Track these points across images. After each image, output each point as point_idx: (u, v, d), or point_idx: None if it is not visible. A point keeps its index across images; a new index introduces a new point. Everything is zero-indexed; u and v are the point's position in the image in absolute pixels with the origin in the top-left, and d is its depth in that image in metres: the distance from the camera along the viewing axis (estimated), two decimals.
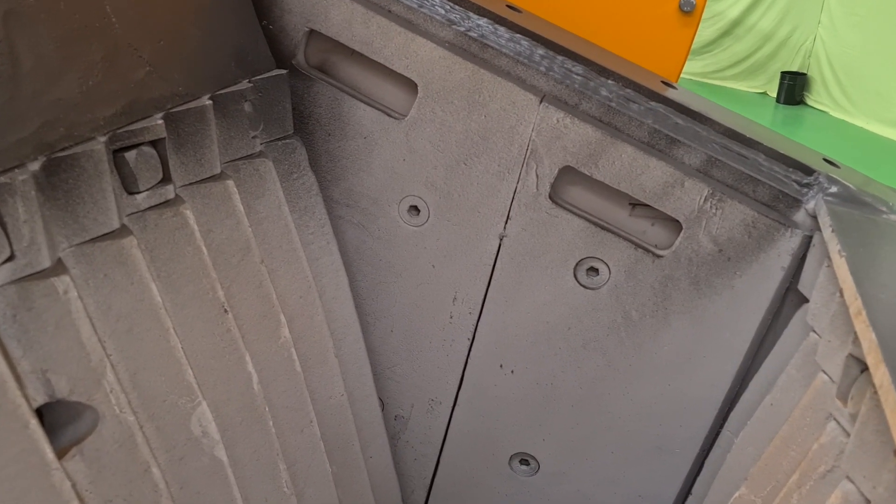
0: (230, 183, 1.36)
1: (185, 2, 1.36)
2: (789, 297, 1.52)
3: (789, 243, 1.45)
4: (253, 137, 1.45)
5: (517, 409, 1.77)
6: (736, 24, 11.26)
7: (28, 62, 1.03)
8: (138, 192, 1.20)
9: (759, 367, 1.54)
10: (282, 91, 1.51)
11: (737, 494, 1.36)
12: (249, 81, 1.45)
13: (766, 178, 1.49)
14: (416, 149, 1.59)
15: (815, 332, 1.34)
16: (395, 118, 1.60)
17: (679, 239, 1.51)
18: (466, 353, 1.76)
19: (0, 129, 0.97)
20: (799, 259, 1.46)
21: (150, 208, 1.22)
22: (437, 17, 1.53)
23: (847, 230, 1.30)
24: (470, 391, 1.80)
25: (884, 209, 1.46)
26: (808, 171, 1.53)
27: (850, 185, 1.49)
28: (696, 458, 1.68)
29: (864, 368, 1.09)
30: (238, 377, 1.34)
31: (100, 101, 1.15)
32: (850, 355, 1.12)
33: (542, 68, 1.52)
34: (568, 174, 1.56)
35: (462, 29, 1.53)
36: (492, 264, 1.65)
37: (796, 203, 1.48)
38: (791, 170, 1.53)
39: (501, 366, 1.74)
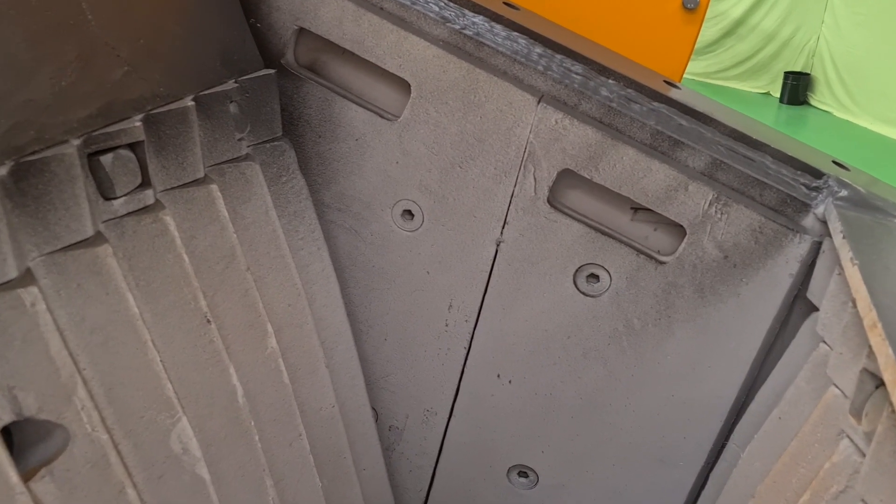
0: (214, 187, 1.31)
1: None
2: (797, 306, 1.47)
3: (798, 249, 1.40)
4: (239, 140, 1.40)
5: (515, 420, 1.72)
6: (739, 23, 11.22)
7: None
8: (115, 198, 1.14)
9: (765, 378, 1.48)
10: (270, 91, 1.46)
11: None
12: (235, 82, 1.40)
13: (774, 182, 1.43)
14: (410, 151, 1.54)
15: (825, 342, 1.28)
16: (387, 119, 1.55)
17: (683, 245, 1.46)
18: (463, 362, 1.71)
19: None
20: (808, 266, 1.41)
21: (128, 214, 1.16)
22: (431, 15, 1.47)
23: (859, 236, 1.25)
24: (466, 401, 1.75)
25: None
26: (817, 174, 1.47)
27: (861, 189, 1.43)
28: (701, 471, 1.63)
29: (880, 384, 1.03)
30: (221, 390, 1.29)
31: (73, 102, 1.09)
32: (865, 370, 1.06)
33: (540, 67, 1.47)
34: (567, 177, 1.51)
35: (457, 27, 1.48)
36: (488, 271, 1.60)
37: (805, 207, 1.42)
38: (799, 173, 1.47)
39: (499, 375, 1.69)
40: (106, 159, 1.12)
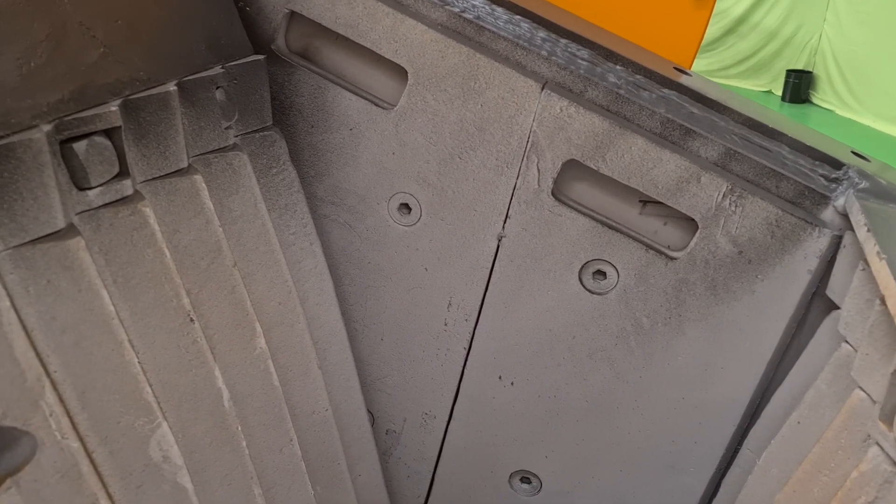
0: (198, 178, 1.24)
1: None
2: (815, 304, 1.40)
3: (817, 244, 1.33)
4: (226, 129, 1.33)
5: (518, 424, 1.66)
6: (740, 21, 11.16)
7: None
8: (90, 188, 1.07)
9: (782, 379, 1.42)
10: (259, 78, 1.39)
11: None
12: (222, 67, 1.33)
13: (791, 173, 1.37)
14: (407, 141, 1.48)
15: (848, 343, 1.21)
16: (383, 108, 1.49)
17: (694, 239, 1.40)
18: (462, 363, 1.65)
19: None
20: (827, 261, 1.34)
21: (105, 206, 1.10)
22: None
23: (884, 229, 1.18)
24: (466, 404, 1.69)
25: None
26: (837, 164, 1.40)
27: (882, 181, 1.36)
28: (712, 478, 1.57)
29: None
30: (206, 393, 1.21)
31: (43, 85, 1.02)
32: None
33: (544, 52, 1.41)
34: (572, 168, 1.44)
35: (456, 10, 1.42)
36: (489, 267, 1.54)
37: (824, 200, 1.35)
38: (817, 163, 1.41)
39: (500, 377, 1.62)
40: (79, 146, 1.05)
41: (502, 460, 1.72)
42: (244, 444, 1.29)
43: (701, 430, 1.53)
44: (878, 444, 1.02)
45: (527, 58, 1.41)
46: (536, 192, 1.45)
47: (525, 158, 1.43)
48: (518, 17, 1.44)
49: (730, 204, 1.35)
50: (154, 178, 1.18)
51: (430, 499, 1.82)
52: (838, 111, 10.50)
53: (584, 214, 1.45)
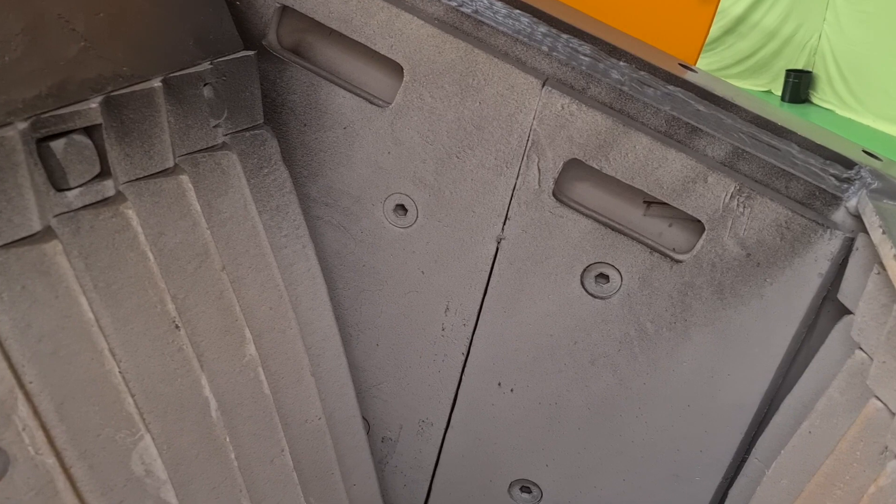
0: (185, 178, 1.19)
1: None
2: (825, 308, 1.35)
3: (828, 246, 1.28)
4: (214, 127, 1.28)
5: (517, 432, 1.62)
6: (740, 21, 11.13)
7: None
8: (69, 189, 1.02)
9: (791, 386, 1.37)
10: (249, 75, 1.34)
11: None
12: (210, 63, 1.28)
13: (801, 173, 1.33)
14: (403, 140, 1.43)
15: (862, 349, 1.16)
16: (378, 106, 1.44)
17: (701, 241, 1.35)
18: (461, 370, 1.61)
19: None
20: (839, 264, 1.29)
21: (85, 207, 1.04)
22: None
23: None
24: (465, 411, 1.65)
25: None
26: (848, 163, 1.36)
27: None
28: (718, 487, 1.52)
29: None
30: (192, 403, 1.16)
31: (18, 80, 0.97)
32: None
33: (545, 48, 1.36)
34: (574, 168, 1.39)
35: (454, 3, 1.37)
36: (488, 270, 1.49)
37: (835, 200, 1.31)
38: (828, 162, 1.36)
39: (500, 383, 1.58)
40: (57, 145, 1.00)
41: (502, 469, 1.67)
42: (233, 455, 1.24)
43: (707, 438, 1.48)
44: None
45: (527, 53, 1.37)
46: (537, 193, 1.40)
47: (525, 158, 1.38)
48: (518, 11, 1.40)
49: (738, 205, 1.31)
50: (138, 179, 1.13)
51: None
52: (838, 111, 10.47)
53: (587, 216, 1.40)
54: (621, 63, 1.40)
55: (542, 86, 1.33)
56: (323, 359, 1.53)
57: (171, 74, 1.19)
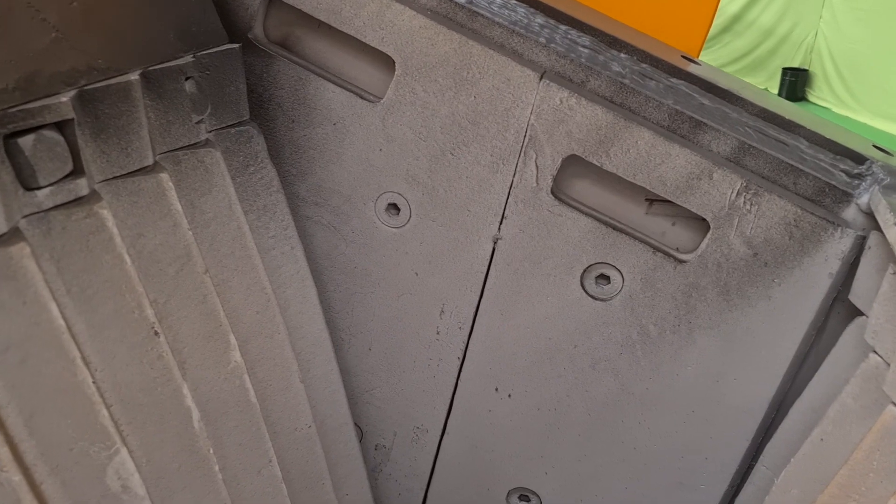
0: (164, 177, 1.13)
1: None
2: (836, 309, 1.30)
3: (838, 245, 1.23)
4: (197, 123, 1.23)
5: (515, 439, 1.57)
6: (736, 19, 11.11)
7: None
8: (38, 188, 0.96)
9: (800, 391, 1.32)
10: (234, 69, 1.29)
11: None
12: (193, 56, 1.22)
13: (810, 168, 1.28)
14: (395, 137, 1.38)
15: (876, 353, 1.11)
16: (369, 101, 1.39)
17: (706, 241, 1.31)
18: (456, 374, 1.56)
19: None
20: (850, 264, 1.24)
21: (56, 207, 0.98)
22: None
23: None
24: (461, 417, 1.60)
25: None
26: (859, 159, 1.30)
27: None
28: (724, 496, 1.48)
29: None
30: (173, 414, 1.11)
31: None
32: None
33: (542, 39, 1.31)
34: (573, 165, 1.35)
35: None
36: (485, 271, 1.44)
37: (846, 197, 1.26)
38: (838, 158, 1.31)
39: (497, 389, 1.53)
40: (25, 141, 0.95)
41: (499, 477, 1.63)
42: (217, 468, 1.18)
43: (712, 444, 1.44)
44: None
45: (524, 45, 1.31)
46: (535, 191, 1.35)
47: (522, 154, 1.33)
48: (514, 1, 1.35)
49: (744, 202, 1.26)
50: (115, 177, 1.07)
51: None
52: (835, 109, 10.47)
53: (587, 214, 1.35)
54: (622, 55, 1.35)
55: (540, 79, 1.28)
56: (313, 364, 1.48)
57: (151, 68, 1.13)
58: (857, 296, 1.23)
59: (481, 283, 1.46)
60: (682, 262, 1.33)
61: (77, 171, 1.01)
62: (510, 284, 1.44)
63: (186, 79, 1.20)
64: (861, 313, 1.22)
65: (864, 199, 1.25)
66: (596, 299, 1.40)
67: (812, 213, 1.24)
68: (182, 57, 1.21)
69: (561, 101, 1.28)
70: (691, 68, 1.38)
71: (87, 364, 0.98)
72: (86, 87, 1.03)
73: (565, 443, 1.54)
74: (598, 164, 1.30)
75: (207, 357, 1.19)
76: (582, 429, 1.51)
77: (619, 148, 1.28)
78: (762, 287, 1.30)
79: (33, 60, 0.98)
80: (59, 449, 0.95)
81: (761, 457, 1.39)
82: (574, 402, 1.49)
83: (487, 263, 1.44)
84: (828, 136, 1.32)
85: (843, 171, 1.29)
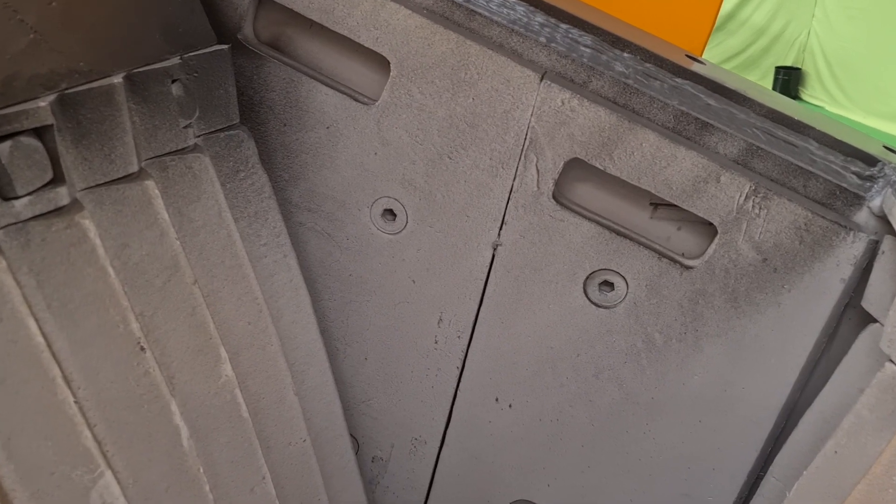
0: (150, 184, 1.08)
1: None
2: (847, 316, 1.26)
3: (851, 250, 1.19)
4: (185, 128, 1.18)
5: (517, 450, 1.54)
6: (728, 18, 11.11)
7: None
8: (16, 197, 0.92)
9: (811, 401, 1.28)
10: (223, 71, 1.25)
11: None
12: (180, 58, 1.17)
13: (820, 171, 1.24)
14: (390, 140, 1.34)
15: (893, 363, 1.07)
16: (363, 103, 1.35)
17: (713, 246, 1.27)
18: (455, 384, 1.53)
19: None
20: (862, 269, 1.21)
21: (35, 218, 0.93)
22: None
23: None
24: (460, 428, 1.57)
25: None
26: (871, 160, 1.27)
27: None
28: None
29: None
30: (160, 432, 1.06)
31: None
32: None
33: (543, 39, 1.28)
34: (575, 168, 1.31)
35: None
36: (484, 279, 1.41)
37: (858, 200, 1.22)
38: (849, 159, 1.27)
39: (497, 399, 1.49)
40: (2, 149, 0.90)
41: (500, 489, 1.59)
42: (207, 487, 1.14)
43: (720, 455, 1.40)
44: None
45: (523, 45, 1.28)
46: (535, 196, 1.31)
47: (522, 158, 1.29)
48: (513, 0, 1.30)
49: (753, 206, 1.22)
50: (97, 185, 1.03)
51: None
52: (828, 107, 10.48)
53: (589, 219, 1.32)
54: (625, 54, 1.31)
55: (541, 80, 1.24)
56: (307, 376, 1.43)
57: (135, 70, 1.09)
58: (870, 302, 1.19)
59: (480, 291, 1.42)
60: (688, 267, 1.29)
61: (57, 179, 0.96)
62: (510, 292, 1.40)
63: (173, 81, 1.16)
64: (874, 320, 1.18)
65: (876, 202, 1.21)
66: (599, 307, 1.36)
67: (823, 217, 1.20)
68: (168, 58, 1.16)
69: (562, 103, 1.24)
70: (696, 67, 1.35)
71: (68, 383, 0.93)
72: (66, 91, 0.98)
73: (568, 454, 1.50)
74: (601, 168, 1.26)
75: (197, 371, 1.15)
76: (585, 439, 1.47)
77: (623, 150, 1.24)
78: (771, 293, 1.26)
79: (10, 63, 0.93)
80: (40, 473, 0.90)
81: (771, 468, 1.35)
82: (577, 412, 1.45)
83: (487, 270, 1.40)
84: (838, 138, 1.28)
85: (854, 173, 1.26)
